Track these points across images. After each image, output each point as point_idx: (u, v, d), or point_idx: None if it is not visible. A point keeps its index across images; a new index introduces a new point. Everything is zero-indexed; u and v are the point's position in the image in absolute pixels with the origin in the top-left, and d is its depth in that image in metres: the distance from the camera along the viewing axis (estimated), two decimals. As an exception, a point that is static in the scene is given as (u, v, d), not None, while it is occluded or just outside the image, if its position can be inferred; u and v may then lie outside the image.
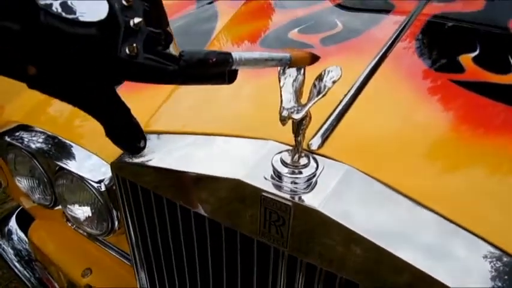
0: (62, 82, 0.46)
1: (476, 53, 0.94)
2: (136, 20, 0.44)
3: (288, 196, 0.53)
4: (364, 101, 0.72)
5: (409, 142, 0.66)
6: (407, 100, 0.74)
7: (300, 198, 0.53)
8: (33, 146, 0.90)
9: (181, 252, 0.78)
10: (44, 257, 1.19)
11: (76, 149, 0.87)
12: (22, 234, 1.26)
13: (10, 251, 1.21)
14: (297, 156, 0.54)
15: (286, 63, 0.54)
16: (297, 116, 0.49)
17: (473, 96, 0.77)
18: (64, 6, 0.40)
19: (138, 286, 1.00)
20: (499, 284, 0.46)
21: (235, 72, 0.52)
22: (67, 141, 0.89)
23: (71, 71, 0.44)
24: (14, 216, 1.30)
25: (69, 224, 1.16)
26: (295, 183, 0.54)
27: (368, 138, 0.66)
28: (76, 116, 0.96)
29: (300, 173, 0.54)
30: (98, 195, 0.85)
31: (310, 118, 0.53)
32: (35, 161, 0.93)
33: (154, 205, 0.72)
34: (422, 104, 0.74)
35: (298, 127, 0.52)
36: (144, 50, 0.44)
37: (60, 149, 0.88)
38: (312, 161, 0.56)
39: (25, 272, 1.16)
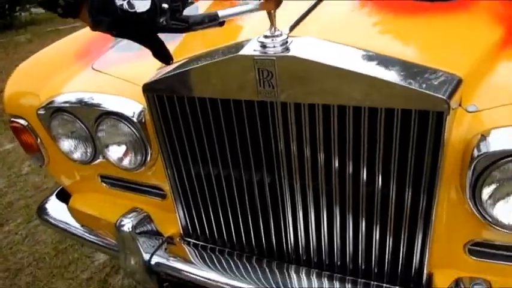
0: (130, 37, 0.84)
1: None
2: (165, 4, 0.78)
3: (272, 53, 0.80)
4: (314, 14, 1.01)
5: (354, 23, 0.94)
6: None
7: (280, 53, 0.80)
8: (75, 105, 1.15)
9: (204, 150, 1.03)
10: (89, 219, 1.40)
11: (108, 97, 1.13)
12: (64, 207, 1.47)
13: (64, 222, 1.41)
14: (273, 28, 0.82)
15: (256, 10, 0.82)
16: (267, -7, 0.77)
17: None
18: (129, 3, 0.75)
19: (177, 217, 1.22)
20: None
21: (223, 21, 0.84)
22: (102, 95, 1.14)
23: (133, 34, 0.82)
24: (54, 195, 1.52)
25: (104, 185, 1.39)
26: (275, 46, 0.81)
27: (324, 27, 0.94)
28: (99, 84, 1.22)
29: (277, 39, 0.81)
30: (133, 127, 1.09)
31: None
32: (78, 120, 1.17)
33: (178, 106, 0.98)
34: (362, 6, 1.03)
35: (270, 5, 0.80)
36: (170, 19, 0.79)
37: (96, 100, 1.13)
38: (284, 33, 0.83)
39: (84, 234, 1.36)
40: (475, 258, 0.92)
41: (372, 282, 1.02)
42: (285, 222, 1.07)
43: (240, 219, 1.13)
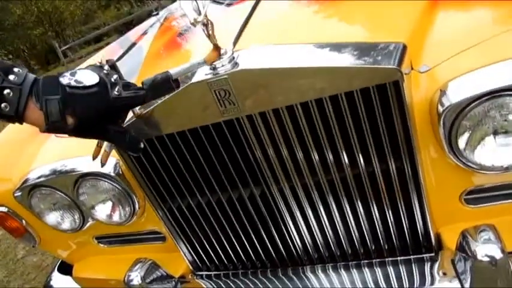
0: (89, 126, 0.78)
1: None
2: (114, 77, 0.78)
3: (223, 72, 0.81)
4: (253, 22, 1.03)
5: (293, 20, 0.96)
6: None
7: (230, 70, 0.81)
8: (50, 176, 1.14)
9: (189, 184, 1.03)
10: (97, 283, 1.37)
11: (80, 159, 1.12)
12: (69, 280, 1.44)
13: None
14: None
15: (202, 64, 0.83)
16: (200, 18, 0.78)
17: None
18: (76, 80, 0.74)
19: (182, 255, 1.21)
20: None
21: (177, 80, 0.82)
22: (72, 159, 1.13)
23: (91, 114, 0.76)
24: (56, 270, 1.48)
25: (102, 245, 1.37)
26: (223, 65, 0.82)
27: (266, 32, 0.96)
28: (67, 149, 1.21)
29: (223, 58, 0.82)
30: (112, 181, 1.09)
31: (212, 24, 0.82)
32: (57, 191, 1.16)
33: (150, 148, 0.98)
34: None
35: (207, 28, 0.81)
36: (123, 90, 0.77)
37: (69, 166, 1.12)
38: (228, 51, 0.84)
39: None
40: (473, 206, 0.94)
41: (387, 259, 1.04)
42: (286, 228, 1.07)
43: (243, 237, 1.13)
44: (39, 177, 1.17)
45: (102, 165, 0.95)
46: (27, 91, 0.72)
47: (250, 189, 1.02)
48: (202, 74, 0.84)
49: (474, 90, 0.76)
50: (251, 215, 1.07)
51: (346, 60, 0.80)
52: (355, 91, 0.79)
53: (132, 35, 2.10)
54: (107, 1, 17.70)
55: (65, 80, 0.74)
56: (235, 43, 0.93)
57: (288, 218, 1.05)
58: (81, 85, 0.74)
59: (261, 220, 1.08)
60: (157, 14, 2.30)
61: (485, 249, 0.80)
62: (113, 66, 0.81)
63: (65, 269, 1.48)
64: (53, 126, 0.75)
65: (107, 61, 0.81)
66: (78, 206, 1.18)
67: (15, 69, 0.74)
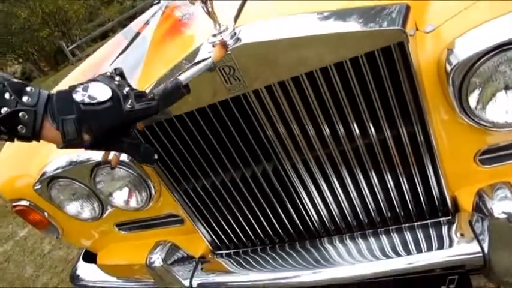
0: (104, 140, 0.78)
1: None
2: (126, 89, 0.77)
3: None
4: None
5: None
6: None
7: (233, 46, 0.81)
8: (67, 167, 1.16)
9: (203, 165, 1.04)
10: (121, 269, 1.41)
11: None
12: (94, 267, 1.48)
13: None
14: (217, 25, 0.82)
15: (212, 65, 0.82)
16: (199, -5, 0.78)
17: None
18: (89, 96, 0.74)
19: (201, 235, 1.24)
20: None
21: (187, 85, 0.81)
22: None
23: (106, 129, 0.76)
24: (81, 259, 1.53)
25: (123, 232, 1.40)
26: (225, 41, 0.82)
27: (267, 6, 0.95)
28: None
29: (225, 34, 0.82)
30: (127, 168, 1.10)
31: (211, 0, 0.82)
32: (75, 181, 1.18)
33: (160, 132, 0.99)
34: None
35: (206, 5, 0.80)
36: (136, 102, 0.77)
37: (84, 156, 1.14)
38: (229, 27, 0.84)
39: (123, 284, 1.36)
40: (488, 166, 0.93)
41: (403, 225, 1.04)
42: (301, 202, 1.08)
43: (259, 214, 1.14)
44: (56, 169, 1.19)
45: (112, 168, 0.96)
46: (42, 112, 0.73)
47: (262, 165, 1.03)
48: (206, 52, 0.84)
49: (482, 45, 0.74)
50: (265, 192, 1.08)
51: (349, 26, 0.79)
52: (359, 56, 0.79)
53: (135, 25, 2.11)
54: (109, -3, 17.71)
55: (78, 96, 0.74)
56: (236, 19, 0.92)
57: (303, 192, 1.06)
58: (95, 101, 0.74)
59: (275, 196, 1.09)
60: (159, 2, 2.30)
61: (501, 207, 0.80)
62: (122, 75, 0.81)
63: (90, 257, 1.53)
64: (69, 144, 0.76)
65: (115, 70, 0.82)
66: (96, 195, 1.21)
67: (28, 89, 0.73)
